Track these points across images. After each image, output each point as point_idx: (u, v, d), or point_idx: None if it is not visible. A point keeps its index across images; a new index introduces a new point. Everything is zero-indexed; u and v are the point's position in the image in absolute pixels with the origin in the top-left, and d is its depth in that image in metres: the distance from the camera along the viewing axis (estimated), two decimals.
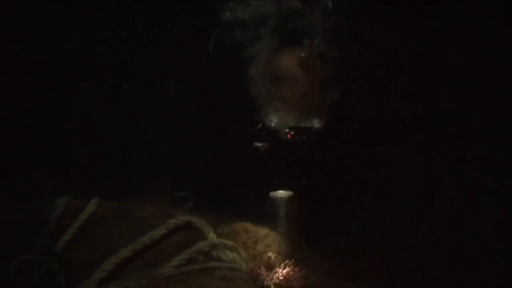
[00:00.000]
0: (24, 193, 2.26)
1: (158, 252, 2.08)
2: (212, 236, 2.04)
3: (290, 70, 2.29)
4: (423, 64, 2.55)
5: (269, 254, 2.10)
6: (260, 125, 2.30)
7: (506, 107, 2.54)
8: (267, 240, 2.14)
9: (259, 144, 2.27)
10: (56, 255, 2.15)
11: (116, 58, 2.55)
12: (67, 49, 2.57)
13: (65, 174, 2.42)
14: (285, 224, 2.25)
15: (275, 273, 1.97)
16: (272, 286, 1.88)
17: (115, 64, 2.53)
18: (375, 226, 2.43)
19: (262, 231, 2.16)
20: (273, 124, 2.31)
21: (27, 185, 2.34)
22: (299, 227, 2.26)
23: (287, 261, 2.06)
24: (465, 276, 2.46)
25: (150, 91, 2.50)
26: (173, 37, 2.45)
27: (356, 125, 2.40)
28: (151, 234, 2.09)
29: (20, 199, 2.24)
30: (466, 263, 2.51)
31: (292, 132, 2.27)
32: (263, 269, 1.97)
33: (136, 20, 2.53)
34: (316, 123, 2.32)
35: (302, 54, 2.27)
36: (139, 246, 2.08)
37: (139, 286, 1.82)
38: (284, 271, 1.99)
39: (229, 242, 1.96)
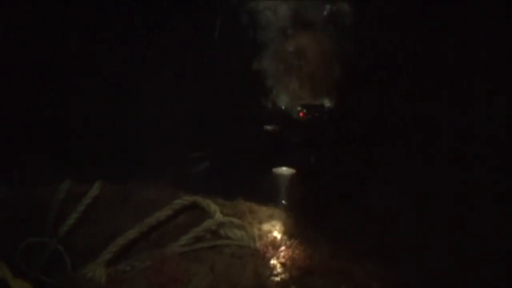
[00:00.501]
0: (27, 179, 2.25)
1: (164, 233, 2.08)
2: (218, 216, 2.04)
3: (301, 50, 2.32)
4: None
5: (275, 233, 2.12)
6: (271, 105, 2.30)
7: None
8: (272, 220, 2.15)
9: (269, 126, 2.28)
10: (60, 239, 2.14)
11: (117, 42, 2.55)
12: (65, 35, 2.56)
13: (68, 158, 2.41)
14: (286, 200, 2.28)
15: (281, 252, 1.99)
16: (278, 264, 1.89)
17: (117, 48, 2.52)
18: (379, 207, 2.47)
19: (267, 211, 2.17)
20: (284, 104, 2.34)
21: (30, 170, 2.32)
22: (302, 205, 2.28)
23: (292, 240, 2.09)
24: (466, 254, 2.51)
25: (157, 72, 2.50)
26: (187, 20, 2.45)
27: (366, 105, 2.43)
28: (157, 215, 2.08)
29: (23, 184, 2.22)
30: (467, 245, 2.56)
31: (305, 110, 2.27)
32: (269, 247, 1.99)
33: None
34: (327, 101, 2.33)
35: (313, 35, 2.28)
36: (145, 227, 2.08)
37: (148, 264, 1.82)
38: (289, 251, 2.02)
39: (236, 221, 1.97)
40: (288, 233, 2.14)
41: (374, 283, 2.15)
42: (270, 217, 2.16)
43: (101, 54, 2.57)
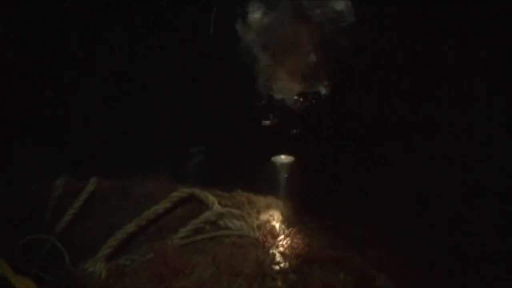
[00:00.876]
0: (23, 175, 2.23)
1: (163, 226, 2.08)
2: (216, 207, 2.04)
3: (294, 40, 2.33)
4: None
5: (273, 223, 2.13)
6: (267, 97, 2.35)
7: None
8: (270, 210, 2.15)
9: (267, 120, 2.30)
10: (58, 236, 2.13)
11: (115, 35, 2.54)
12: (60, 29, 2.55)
13: (64, 154, 2.40)
14: (285, 188, 2.29)
15: (280, 241, 2.00)
16: (277, 253, 1.90)
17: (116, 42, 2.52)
18: (376, 195, 2.50)
19: (265, 201, 2.17)
20: (280, 94, 2.37)
21: (26, 167, 2.30)
22: (300, 193, 2.29)
23: (290, 229, 2.10)
24: (461, 241, 2.55)
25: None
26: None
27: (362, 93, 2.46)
28: (155, 209, 2.08)
29: (19, 181, 2.21)
30: (462, 230, 2.60)
31: (301, 99, 2.28)
32: (269, 237, 1.99)
33: None
34: (323, 89, 2.35)
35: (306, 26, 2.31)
36: (143, 221, 2.08)
37: (149, 257, 1.82)
38: (288, 240, 2.03)
39: (235, 211, 1.97)
40: (286, 222, 2.15)
41: (372, 270, 2.18)
42: (268, 207, 2.16)
43: (97, 52, 2.57)
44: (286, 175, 2.33)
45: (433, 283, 2.20)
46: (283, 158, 2.37)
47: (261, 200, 2.17)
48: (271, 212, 2.15)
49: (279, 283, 1.63)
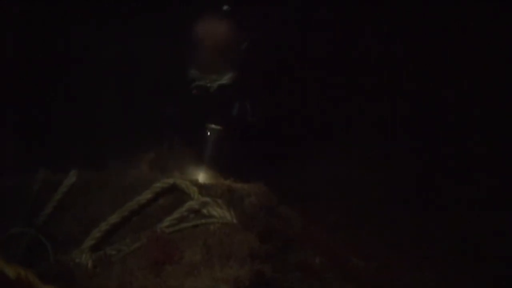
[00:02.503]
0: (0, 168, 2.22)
1: (146, 216, 2.11)
2: (197, 196, 2.09)
3: (207, 38, 2.81)
4: None
5: (254, 209, 2.20)
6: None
7: None
8: (250, 197, 2.22)
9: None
10: (38, 229, 2.13)
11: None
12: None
13: (42, 147, 2.39)
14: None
15: (261, 225, 2.09)
16: (262, 236, 1.97)
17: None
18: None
19: (247, 188, 2.24)
20: (198, 82, 2.87)
21: (2, 160, 2.29)
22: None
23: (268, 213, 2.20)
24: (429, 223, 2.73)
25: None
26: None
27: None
28: (137, 199, 2.11)
29: None
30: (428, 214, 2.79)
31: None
32: (251, 221, 2.07)
33: None
34: (226, 79, 2.86)
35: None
36: (126, 211, 2.10)
37: (138, 245, 1.86)
38: (268, 223, 2.13)
39: (218, 200, 2.03)
40: (265, 207, 2.24)
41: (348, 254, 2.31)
42: (248, 194, 2.23)
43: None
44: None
45: None
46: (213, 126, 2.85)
47: (241, 187, 2.24)
48: (251, 199, 2.22)
49: (266, 265, 1.70)
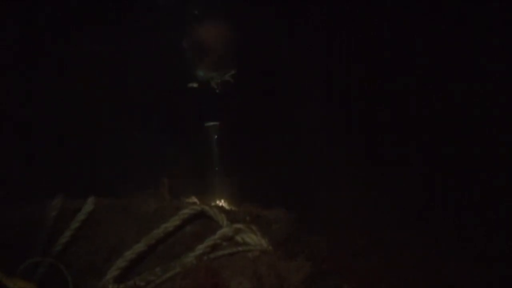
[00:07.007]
0: (19, 196, 2.10)
1: (174, 244, 2.03)
2: (226, 223, 2.02)
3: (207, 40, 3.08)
4: None
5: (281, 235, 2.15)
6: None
7: None
8: (278, 223, 2.17)
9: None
10: (55, 258, 2.02)
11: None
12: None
13: (59, 174, 2.28)
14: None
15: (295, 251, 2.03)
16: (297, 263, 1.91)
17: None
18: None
19: (274, 213, 2.19)
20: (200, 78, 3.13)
21: (21, 187, 2.17)
22: None
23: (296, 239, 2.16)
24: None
25: None
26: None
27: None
28: (164, 226, 2.03)
29: (15, 202, 2.08)
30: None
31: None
32: (282, 248, 2.01)
33: None
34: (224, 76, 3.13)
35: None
36: (152, 240, 2.02)
37: (172, 273, 1.77)
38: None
39: (252, 226, 1.97)
40: (292, 233, 2.19)
41: None
42: (275, 220, 2.17)
43: None
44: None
45: None
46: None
47: (270, 212, 2.18)
48: (278, 225, 2.17)
49: None
